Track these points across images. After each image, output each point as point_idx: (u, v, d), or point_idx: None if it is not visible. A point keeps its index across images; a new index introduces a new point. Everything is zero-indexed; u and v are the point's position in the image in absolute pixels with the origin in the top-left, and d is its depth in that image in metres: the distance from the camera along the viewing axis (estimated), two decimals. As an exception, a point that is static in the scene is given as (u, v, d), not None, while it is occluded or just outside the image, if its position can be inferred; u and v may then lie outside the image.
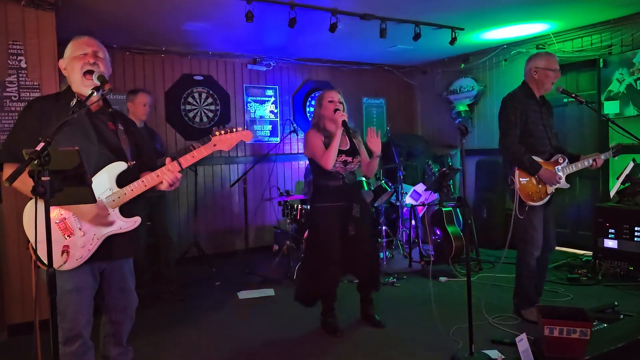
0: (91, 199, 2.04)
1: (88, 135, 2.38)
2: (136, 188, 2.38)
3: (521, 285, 4.08)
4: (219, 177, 7.03)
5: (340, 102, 3.90)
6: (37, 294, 1.94)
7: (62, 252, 2.24)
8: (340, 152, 3.83)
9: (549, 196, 3.97)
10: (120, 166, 2.39)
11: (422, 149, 8.06)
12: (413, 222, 6.31)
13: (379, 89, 8.49)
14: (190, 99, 6.81)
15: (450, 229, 5.68)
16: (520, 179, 3.89)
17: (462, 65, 7.65)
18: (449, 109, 7.99)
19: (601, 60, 5.98)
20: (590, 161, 4.01)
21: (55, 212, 2.27)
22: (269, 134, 7.44)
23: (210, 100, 6.95)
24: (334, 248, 3.87)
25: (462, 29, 5.96)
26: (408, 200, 6.53)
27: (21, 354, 3.75)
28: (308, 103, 7.66)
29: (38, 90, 4.20)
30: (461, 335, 3.68)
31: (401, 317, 4.30)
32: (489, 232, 6.83)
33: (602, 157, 4.03)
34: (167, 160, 2.42)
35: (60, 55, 2.51)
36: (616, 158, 4.20)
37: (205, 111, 6.93)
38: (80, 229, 2.31)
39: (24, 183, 1.93)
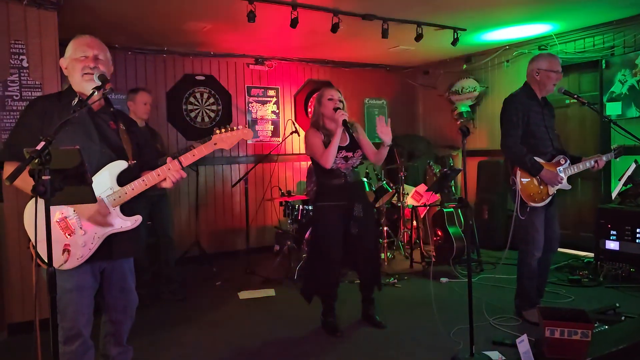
0: (92, 198, 2.04)
1: (90, 134, 2.38)
2: (137, 187, 2.38)
3: (522, 286, 4.07)
4: (221, 177, 7.04)
5: (340, 101, 3.91)
6: (38, 293, 1.94)
7: (63, 251, 2.23)
8: (340, 148, 3.83)
9: (550, 197, 3.96)
10: (121, 165, 2.39)
11: (424, 149, 8.05)
12: (414, 222, 6.30)
13: (380, 90, 8.48)
14: (191, 99, 6.81)
15: (451, 230, 5.67)
16: (522, 180, 3.89)
17: (464, 66, 7.64)
18: (450, 110, 7.97)
19: (603, 61, 5.97)
20: (592, 162, 4.00)
21: (56, 211, 2.27)
22: (270, 134, 7.44)
23: (212, 100, 6.95)
24: (334, 247, 3.88)
25: (464, 30, 5.95)
26: (409, 200, 6.53)
27: (21, 353, 3.75)
28: (310, 103, 7.66)
29: (40, 90, 4.20)
30: (462, 336, 3.68)
31: (402, 317, 4.30)
32: (490, 232, 6.83)
33: (604, 158, 4.02)
34: (168, 159, 2.42)
35: (62, 54, 2.51)
36: (618, 160, 4.20)
37: (207, 111, 6.93)
38: (81, 227, 2.31)
39: (25, 182, 1.93)
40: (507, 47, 6.96)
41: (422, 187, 6.59)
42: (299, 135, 7.08)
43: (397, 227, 6.85)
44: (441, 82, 8.14)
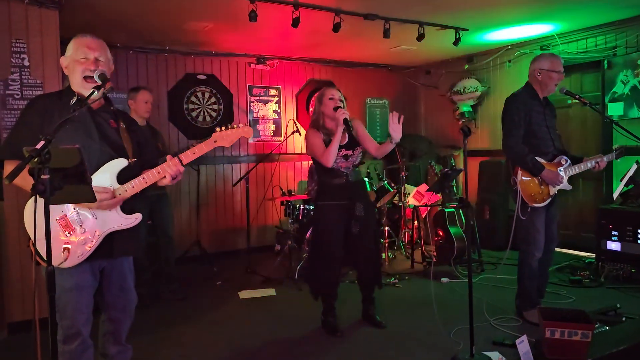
0: (91, 197, 2.04)
1: (90, 133, 2.38)
2: (137, 185, 2.38)
3: (523, 287, 4.07)
4: (222, 176, 7.04)
5: (341, 100, 3.91)
6: (37, 291, 1.94)
7: (63, 250, 2.23)
8: (339, 147, 3.83)
9: (551, 197, 3.95)
10: (121, 163, 2.39)
11: (425, 149, 8.04)
12: (415, 222, 6.30)
13: (382, 89, 8.48)
14: (193, 98, 6.81)
15: (452, 230, 5.66)
16: (523, 179, 3.88)
17: (466, 66, 7.63)
18: (452, 110, 7.96)
19: (606, 61, 5.96)
20: (593, 163, 3.99)
21: (56, 209, 2.27)
22: (272, 134, 7.44)
23: (213, 99, 6.95)
24: (335, 246, 3.88)
25: (466, 30, 5.95)
26: (410, 200, 6.52)
27: (21, 352, 3.75)
28: (311, 103, 7.65)
29: (41, 89, 4.21)
30: (462, 336, 3.67)
31: (402, 317, 4.29)
32: (492, 233, 6.82)
33: (605, 159, 4.01)
34: (168, 157, 2.42)
35: (63, 53, 2.50)
36: (619, 160, 4.19)
37: (208, 110, 6.93)
38: (81, 225, 2.31)
39: (26, 180, 1.93)
40: (509, 47, 6.95)
41: (423, 187, 6.59)
42: (300, 135, 7.09)
43: (399, 227, 6.84)
44: (443, 82, 8.13)
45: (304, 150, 7.39)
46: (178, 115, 6.72)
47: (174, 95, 6.68)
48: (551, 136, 4.01)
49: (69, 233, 2.28)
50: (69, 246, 2.25)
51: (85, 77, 2.37)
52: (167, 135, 6.44)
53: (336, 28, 5.09)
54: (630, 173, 4.47)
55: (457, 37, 5.90)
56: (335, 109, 3.81)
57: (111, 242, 2.40)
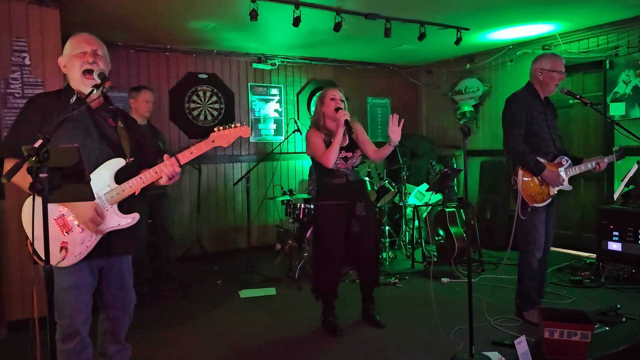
0: (90, 196, 2.04)
1: (89, 131, 2.38)
2: (135, 184, 2.38)
3: (523, 287, 4.06)
4: (223, 175, 7.04)
5: (342, 101, 3.91)
6: (36, 290, 1.94)
7: (61, 249, 2.24)
8: (339, 148, 3.83)
9: (551, 198, 3.94)
10: (118, 163, 2.39)
11: (427, 149, 8.03)
12: (416, 222, 6.29)
13: (383, 89, 8.47)
14: (194, 97, 6.82)
15: (453, 230, 5.66)
16: (524, 179, 3.87)
17: (468, 66, 7.62)
18: (453, 110, 7.96)
19: (607, 61, 5.95)
20: (594, 164, 3.98)
21: (54, 209, 2.27)
22: (273, 133, 7.44)
23: (214, 98, 6.96)
24: (335, 246, 3.88)
25: (468, 29, 5.94)
26: (411, 200, 6.52)
27: (21, 350, 3.76)
28: (312, 102, 7.65)
29: (41, 87, 4.21)
30: (462, 336, 3.67)
31: (402, 317, 4.29)
32: (493, 233, 6.81)
33: (606, 160, 4.01)
34: (166, 156, 2.42)
35: (64, 52, 2.51)
36: (619, 162, 4.18)
37: (210, 109, 6.93)
38: (78, 225, 2.31)
39: (25, 179, 1.92)
40: (511, 46, 6.94)
41: (424, 187, 6.59)
42: (301, 134, 7.08)
43: (399, 227, 6.84)
44: (444, 82, 8.12)
45: (305, 150, 7.42)
46: (179, 114, 6.72)
47: (175, 94, 6.68)
48: (552, 136, 4.01)
49: (66, 232, 2.28)
50: (67, 245, 2.25)
51: (84, 72, 2.37)
52: (168, 134, 6.44)
53: (337, 27, 5.08)
54: (631, 173, 4.46)
55: (459, 36, 5.89)
56: (337, 110, 3.82)
57: (109, 241, 2.40)
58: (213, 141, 2.47)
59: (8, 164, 2.29)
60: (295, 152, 7.62)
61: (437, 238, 5.87)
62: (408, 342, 3.76)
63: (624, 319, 3.90)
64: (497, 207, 6.96)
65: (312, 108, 7.60)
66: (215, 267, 6.14)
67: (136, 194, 2.45)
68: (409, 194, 6.69)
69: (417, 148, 7.92)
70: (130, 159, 2.43)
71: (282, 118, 7.51)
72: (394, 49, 6.97)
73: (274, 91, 7.44)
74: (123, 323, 2.60)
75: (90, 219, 2.27)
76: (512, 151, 3.92)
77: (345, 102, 3.95)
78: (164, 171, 2.38)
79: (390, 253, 6.35)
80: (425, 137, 8.48)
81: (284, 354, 3.67)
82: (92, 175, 2.26)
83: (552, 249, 4.20)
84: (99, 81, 2.29)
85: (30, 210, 2.22)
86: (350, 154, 3.92)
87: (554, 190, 3.93)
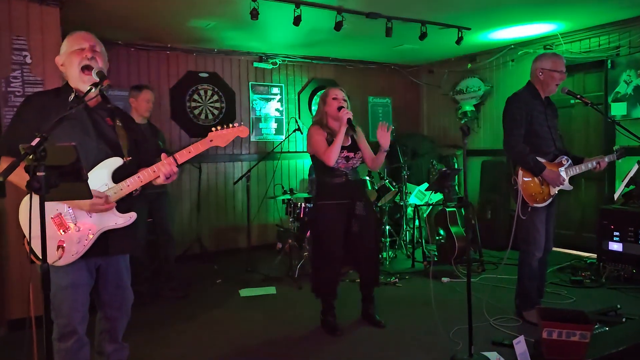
0: (87, 194, 2.03)
1: (86, 130, 2.38)
2: (132, 183, 2.38)
3: (523, 287, 4.06)
4: (223, 174, 7.04)
5: (345, 100, 3.91)
6: (32, 289, 1.94)
7: (58, 248, 2.23)
8: (342, 148, 3.83)
9: (551, 198, 3.94)
10: (116, 162, 2.38)
11: (428, 148, 8.01)
12: (417, 222, 6.29)
13: (385, 88, 8.46)
14: (195, 96, 6.82)
15: (453, 230, 5.65)
16: (524, 179, 3.86)
17: (469, 65, 7.61)
18: (455, 109, 7.95)
19: (609, 61, 5.93)
20: (594, 163, 3.97)
21: (51, 207, 2.27)
22: (274, 132, 7.44)
23: (215, 97, 6.95)
24: (334, 246, 3.87)
25: (469, 29, 5.93)
26: (412, 200, 6.51)
27: (21, 349, 3.76)
28: (314, 101, 7.65)
29: (42, 86, 4.21)
30: (461, 336, 3.66)
31: (402, 317, 4.28)
32: (493, 233, 6.80)
33: (606, 159, 4.00)
34: (163, 155, 2.41)
35: (65, 50, 2.50)
36: (620, 161, 4.17)
37: (210, 108, 6.93)
38: (75, 224, 2.30)
39: (22, 178, 1.92)
40: (513, 46, 6.92)
41: (425, 186, 6.58)
42: (302, 133, 7.08)
43: (400, 226, 6.83)
44: (445, 81, 8.11)
45: (306, 149, 7.42)
46: (180, 113, 6.72)
47: (176, 93, 6.68)
48: (552, 136, 3.99)
49: (63, 231, 2.28)
50: (64, 244, 2.25)
51: (83, 69, 2.36)
52: (168, 133, 6.45)
53: (338, 26, 5.08)
54: (631, 174, 4.45)
55: (460, 36, 5.88)
56: (339, 108, 3.81)
57: (106, 240, 2.39)
58: (211, 140, 2.47)
59: (5, 163, 2.29)
60: (296, 152, 7.62)
61: (437, 238, 5.86)
62: (408, 341, 3.76)
63: (624, 319, 3.89)
64: (498, 207, 6.95)
65: (313, 107, 7.61)
66: (215, 266, 6.14)
67: (136, 193, 2.45)
68: (410, 193, 6.68)
69: (418, 147, 7.90)
70: (128, 158, 2.43)
71: (283, 117, 7.51)
72: (395, 49, 6.96)
73: (275, 90, 7.43)
74: (120, 322, 2.60)
75: (92, 203, 2.27)
76: (513, 151, 3.91)
77: (348, 101, 3.94)
78: (161, 170, 2.38)
79: (390, 252, 6.34)
80: (426, 136, 8.47)
81: (283, 353, 3.66)
82: (89, 174, 2.25)
83: (553, 248, 4.19)
84: (97, 79, 2.29)
85: (27, 209, 2.22)
86: (352, 154, 3.91)
87: (554, 190, 3.92)
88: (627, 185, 4.82)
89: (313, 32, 5.87)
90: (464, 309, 3.31)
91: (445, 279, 5.34)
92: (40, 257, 1.84)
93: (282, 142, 7.19)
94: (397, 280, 5.35)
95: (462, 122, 7.66)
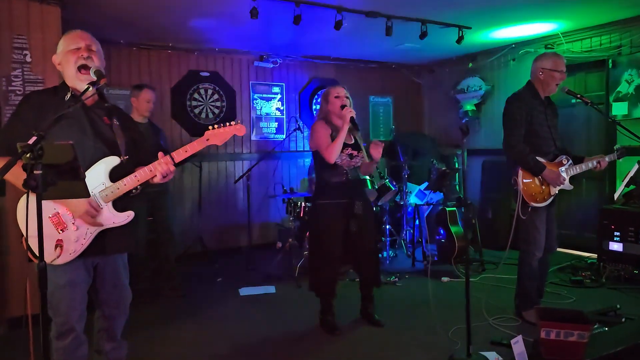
0: (85, 193, 2.04)
1: (84, 129, 2.38)
2: (129, 182, 2.38)
3: (523, 286, 4.05)
4: (224, 173, 7.04)
5: (347, 98, 3.91)
6: (29, 287, 1.94)
7: (56, 246, 2.24)
8: (346, 145, 3.83)
9: (552, 197, 3.93)
10: (113, 161, 2.39)
11: (428, 148, 8.00)
12: (417, 221, 6.28)
13: (385, 88, 8.45)
14: (196, 95, 6.82)
15: (453, 229, 5.64)
16: (524, 180, 3.86)
17: (470, 65, 7.60)
18: (456, 108, 7.94)
19: (610, 60, 5.92)
20: (595, 163, 3.96)
21: (48, 206, 2.27)
22: (274, 131, 7.44)
23: (216, 96, 6.96)
24: (333, 245, 3.86)
25: (470, 28, 5.92)
26: (412, 199, 6.50)
27: (21, 347, 3.75)
28: (314, 101, 7.65)
29: (42, 85, 4.21)
30: (461, 335, 3.65)
31: (401, 316, 4.28)
32: (494, 232, 6.79)
33: (607, 159, 3.99)
34: (160, 154, 2.42)
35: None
36: (621, 160, 4.16)
37: (211, 107, 6.93)
38: (73, 223, 2.31)
39: (18, 177, 1.93)
40: (514, 45, 6.91)
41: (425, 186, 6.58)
42: (302, 133, 7.09)
43: (400, 226, 6.83)
44: (447, 81, 8.10)
45: (306, 148, 7.42)
46: (181, 112, 6.72)
47: (177, 92, 6.69)
48: (552, 136, 3.99)
49: (61, 230, 2.29)
50: (62, 243, 2.25)
51: (79, 68, 2.36)
52: (169, 132, 6.45)
53: (338, 26, 5.07)
54: (632, 174, 4.44)
55: (460, 35, 5.87)
56: (342, 107, 3.81)
57: (104, 239, 2.40)
58: (207, 139, 2.48)
59: (1, 161, 2.28)
60: (296, 151, 7.62)
61: (437, 237, 5.86)
62: (407, 341, 3.76)
63: (623, 319, 3.88)
64: (498, 207, 6.93)
65: (314, 107, 7.60)
66: (216, 265, 6.14)
67: (136, 192, 2.45)
68: (410, 192, 6.67)
69: (419, 147, 7.90)
70: (125, 157, 2.43)
71: (284, 116, 7.51)
72: (395, 48, 6.95)
73: (276, 89, 7.43)
74: (118, 321, 2.61)
75: (85, 211, 2.27)
76: (512, 151, 3.91)
77: (350, 99, 3.94)
78: (158, 169, 2.38)
79: (390, 252, 6.34)
80: (427, 135, 8.46)
81: (283, 352, 3.67)
82: (86, 173, 2.25)
83: (553, 248, 4.18)
84: (94, 78, 2.29)
85: (24, 208, 2.22)
86: (355, 153, 3.91)
87: (554, 190, 3.91)
88: (627, 185, 4.81)
89: (313, 31, 5.86)
90: (463, 308, 3.31)
91: (445, 279, 5.33)
92: (38, 256, 1.85)
93: (282, 141, 7.19)
94: (397, 279, 5.34)
95: (463, 121, 7.64)
